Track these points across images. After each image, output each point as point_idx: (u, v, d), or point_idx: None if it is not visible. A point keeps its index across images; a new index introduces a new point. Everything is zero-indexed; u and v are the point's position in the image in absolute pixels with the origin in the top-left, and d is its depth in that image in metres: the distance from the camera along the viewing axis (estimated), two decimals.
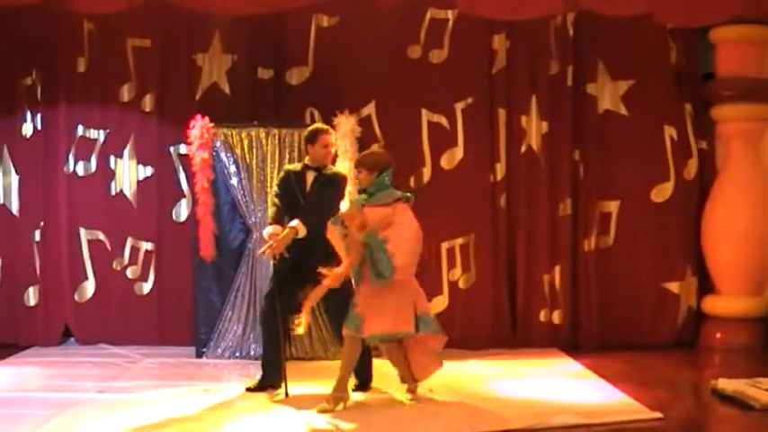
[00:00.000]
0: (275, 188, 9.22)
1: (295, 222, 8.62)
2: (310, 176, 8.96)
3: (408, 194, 8.63)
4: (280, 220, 8.84)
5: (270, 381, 8.88)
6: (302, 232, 8.65)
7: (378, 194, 8.39)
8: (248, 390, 8.93)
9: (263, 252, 8.90)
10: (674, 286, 11.57)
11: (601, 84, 11.55)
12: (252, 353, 10.52)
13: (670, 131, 11.53)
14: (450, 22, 11.41)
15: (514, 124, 11.44)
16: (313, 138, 9.00)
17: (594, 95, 11.53)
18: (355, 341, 8.35)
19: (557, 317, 11.36)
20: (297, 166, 9.16)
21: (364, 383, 8.95)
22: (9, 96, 11.61)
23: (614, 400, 8.67)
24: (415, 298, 8.41)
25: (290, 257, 8.77)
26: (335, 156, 10.35)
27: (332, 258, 8.52)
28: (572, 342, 11.27)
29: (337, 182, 9.00)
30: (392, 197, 8.38)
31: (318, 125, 9.27)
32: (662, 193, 11.55)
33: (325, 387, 8.50)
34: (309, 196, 8.89)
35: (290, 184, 8.95)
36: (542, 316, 11.35)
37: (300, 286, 8.76)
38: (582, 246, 11.48)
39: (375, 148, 8.80)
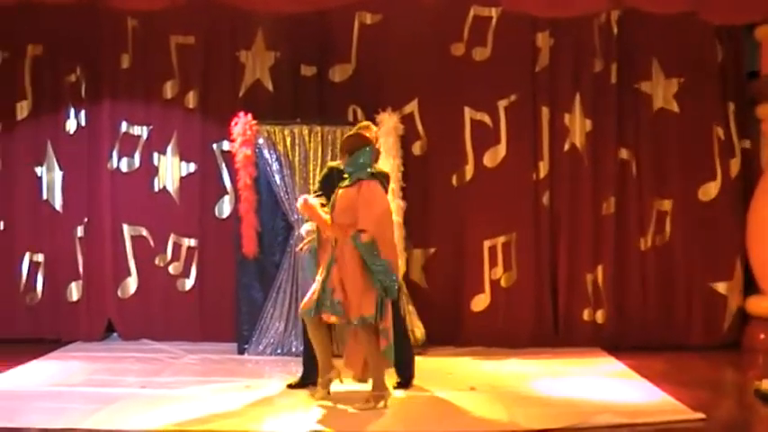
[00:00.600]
0: (317, 184, 9.22)
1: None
2: None
3: (382, 172, 8.61)
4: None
5: (311, 378, 8.87)
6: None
7: (353, 176, 8.35)
8: (290, 387, 8.93)
9: (301, 249, 8.92)
10: (720, 287, 11.45)
11: (655, 82, 11.44)
12: (293, 349, 10.52)
13: (717, 130, 11.41)
14: (494, 20, 11.38)
15: (558, 122, 11.39)
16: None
17: (649, 93, 11.43)
18: (320, 325, 8.43)
19: (600, 316, 11.28)
20: (340, 163, 9.14)
21: (407, 381, 8.93)
22: (53, 93, 11.71)
23: (656, 400, 8.60)
24: None
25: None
26: (378, 153, 10.35)
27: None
28: (615, 341, 11.15)
29: (379, 180, 8.97)
30: (359, 176, 8.30)
31: (364, 122, 9.22)
32: (708, 192, 11.44)
33: (366, 384, 8.47)
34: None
35: (332, 182, 8.92)
36: (585, 315, 11.28)
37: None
38: (634, 244, 11.38)
39: (355, 129, 8.70)
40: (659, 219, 11.45)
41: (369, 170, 8.33)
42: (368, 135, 8.58)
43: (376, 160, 8.57)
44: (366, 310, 8.04)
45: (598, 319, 11.31)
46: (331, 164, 9.37)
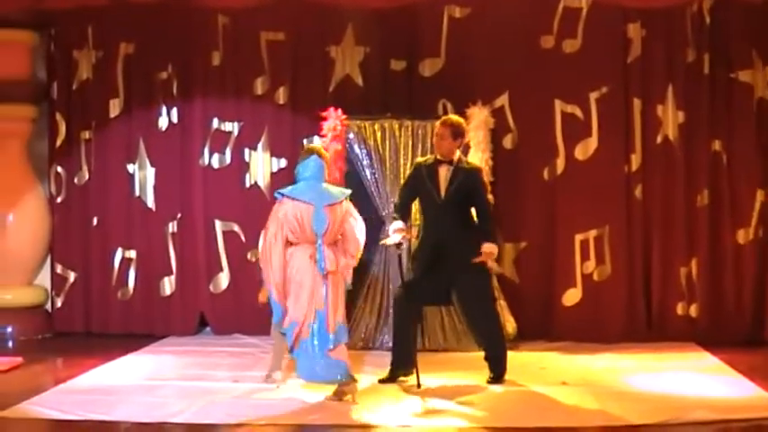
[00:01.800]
0: (404, 180, 9.24)
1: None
2: (443, 170, 8.90)
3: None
4: (403, 213, 8.98)
5: (401, 371, 8.87)
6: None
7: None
8: (380, 381, 8.91)
9: (384, 243, 9.06)
10: None
11: (756, 71, 11.22)
12: (384, 344, 10.54)
13: None
14: (584, 11, 11.26)
15: (650, 114, 11.24)
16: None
17: (749, 83, 11.21)
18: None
19: (694, 310, 11.12)
20: (428, 159, 9.12)
21: (499, 376, 8.89)
22: (145, 90, 11.85)
23: (751, 395, 8.42)
24: None
25: (427, 249, 8.81)
26: (468, 147, 10.34)
27: (470, 251, 8.53)
28: (710, 336, 10.96)
29: (475, 175, 8.96)
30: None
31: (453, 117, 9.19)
32: None
33: (458, 378, 8.45)
34: (448, 191, 8.84)
35: (420, 179, 8.93)
36: (679, 309, 11.13)
37: (435, 278, 8.77)
38: (729, 237, 11.18)
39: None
40: (761, 211, 11.23)
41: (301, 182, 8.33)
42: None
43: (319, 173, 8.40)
44: None
45: (692, 313, 11.14)
46: (419, 160, 9.38)
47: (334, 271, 8.16)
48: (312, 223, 8.08)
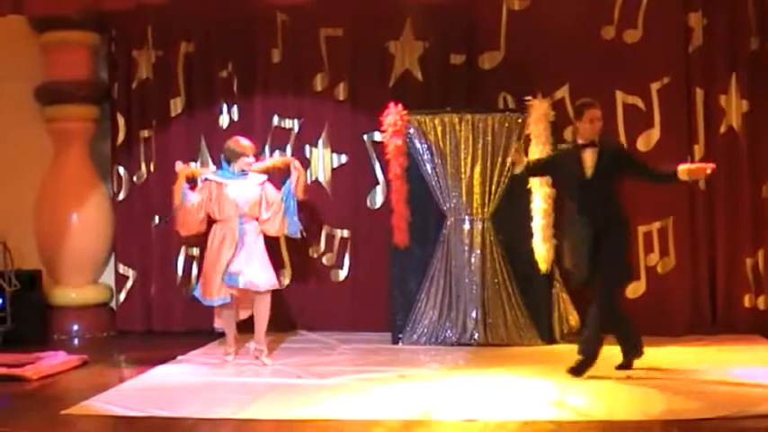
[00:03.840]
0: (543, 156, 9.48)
1: None
2: (589, 154, 8.83)
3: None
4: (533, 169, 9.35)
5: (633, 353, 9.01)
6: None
7: None
8: (571, 372, 8.86)
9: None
10: None
11: None
12: (447, 339, 10.53)
13: None
14: (644, 1, 11.16)
15: (713, 104, 11.12)
16: (578, 113, 8.94)
17: None
18: None
19: (762, 302, 11.00)
20: (567, 147, 9.19)
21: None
22: (206, 89, 11.95)
23: None
24: None
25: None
26: (528, 139, 10.32)
27: (623, 236, 8.86)
28: None
29: (623, 153, 9.08)
30: None
31: (584, 100, 9.10)
32: None
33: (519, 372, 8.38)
34: (595, 174, 8.82)
35: (558, 165, 9.13)
36: (746, 301, 11.01)
37: (597, 263, 8.80)
38: None
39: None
40: None
41: None
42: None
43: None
44: None
45: (759, 306, 11.01)
46: (561, 147, 9.62)
47: None
48: None
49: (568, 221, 9.13)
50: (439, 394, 8.26)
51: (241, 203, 9.79)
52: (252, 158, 9.93)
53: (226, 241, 9.72)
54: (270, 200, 9.97)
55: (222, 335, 10.25)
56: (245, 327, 10.14)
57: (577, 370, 8.76)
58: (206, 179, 10.10)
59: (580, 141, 8.88)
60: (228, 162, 9.86)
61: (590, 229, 8.71)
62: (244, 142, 9.91)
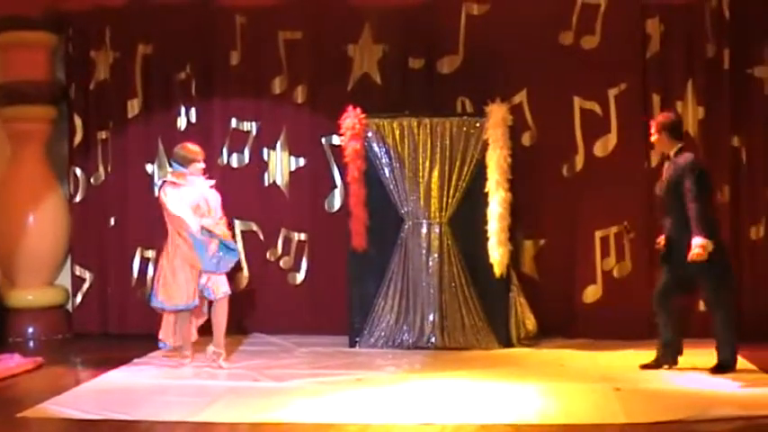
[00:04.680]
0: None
1: None
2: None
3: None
4: None
5: (667, 359, 9.28)
6: None
7: None
8: (643, 367, 9.26)
9: None
10: None
11: None
12: (404, 342, 10.56)
13: None
14: (602, 7, 11.23)
15: (669, 110, 11.18)
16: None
17: (761, 78, 11.15)
18: None
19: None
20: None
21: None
22: (164, 90, 11.90)
23: None
24: None
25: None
26: (486, 144, 10.34)
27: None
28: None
29: (687, 167, 9.08)
30: None
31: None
32: None
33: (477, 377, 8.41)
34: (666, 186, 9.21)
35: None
36: (701, 305, 11.06)
37: (673, 271, 9.16)
38: (746, 234, 11.15)
39: None
40: None
41: None
42: None
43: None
44: None
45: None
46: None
47: None
48: None
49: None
50: (396, 398, 8.28)
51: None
52: (203, 164, 9.88)
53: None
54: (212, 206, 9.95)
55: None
56: (202, 329, 10.10)
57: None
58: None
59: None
60: (181, 166, 9.79)
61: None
62: (194, 148, 9.87)
